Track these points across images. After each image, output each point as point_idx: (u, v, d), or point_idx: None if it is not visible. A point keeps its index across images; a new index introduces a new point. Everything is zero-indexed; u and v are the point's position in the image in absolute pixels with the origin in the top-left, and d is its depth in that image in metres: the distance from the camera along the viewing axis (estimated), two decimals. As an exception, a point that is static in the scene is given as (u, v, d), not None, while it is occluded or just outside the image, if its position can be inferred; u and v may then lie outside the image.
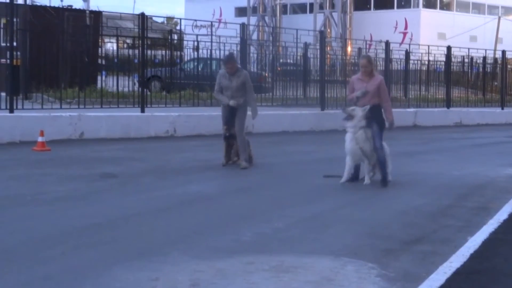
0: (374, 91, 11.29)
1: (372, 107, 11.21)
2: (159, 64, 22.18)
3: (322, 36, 25.86)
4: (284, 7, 60.79)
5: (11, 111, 16.21)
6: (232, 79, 12.71)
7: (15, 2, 17.46)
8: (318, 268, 6.68)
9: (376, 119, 11.28)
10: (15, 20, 17.18)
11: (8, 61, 16.97)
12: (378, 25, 52.70)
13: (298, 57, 25.79)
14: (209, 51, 21.57)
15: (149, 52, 20.20)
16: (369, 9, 59.06)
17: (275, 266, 6.70)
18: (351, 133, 11.18)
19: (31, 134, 15.04)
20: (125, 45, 21.60)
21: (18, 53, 17.26)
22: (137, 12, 19.46)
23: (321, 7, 57.00)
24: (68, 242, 7.49)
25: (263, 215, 9.24)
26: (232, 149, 13.10)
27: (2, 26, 18.67)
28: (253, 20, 56.44)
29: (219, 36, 21.64)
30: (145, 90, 19.45)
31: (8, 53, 16.98)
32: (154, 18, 21.54)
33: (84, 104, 18.13)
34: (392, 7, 57.98)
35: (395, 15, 56.32)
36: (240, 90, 12.74)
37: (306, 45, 25.59)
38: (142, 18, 18.93)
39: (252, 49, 25.85)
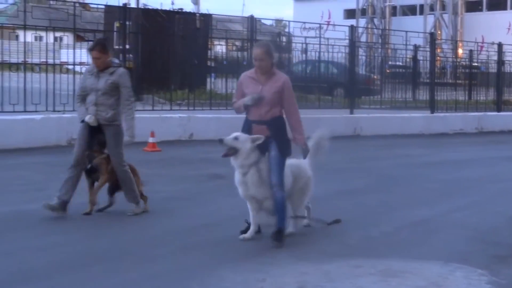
0: (274, 98, 7.51)
1: (273, 121, 7.56)
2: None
3: (432, 38, 25.38)
4: (393, 9, 60.08)
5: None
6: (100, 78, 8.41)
7: (128, 6, 17.85)
8: (427, 273, 6.56)
9: (276, 138, 7.52)
10: (127, 23, 17.61)
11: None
12: (490, 27, 51.32)
13: (408, 59, 25.44)
14: (317, 53, 21.51)
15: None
16: (481, 10, 57.63)
17: (382, 270, 6.62)
18: (239, 174, 7.54)
19: (142, 135, 15.26)
20: (234, 48, 21.74)
21: (130, 55, 17.61)
22: (246, 14, 19.56)
23: (432, 8, 56.17)
24: (176, 242, 7.64)
25: (370, 218, 9.15)
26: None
27: (115, 29, 19.11)
28: (362, 22, 55.99)
29: (328, 39, 21.55)
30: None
31: (120, 56, 17.41)
32: (263, 21, 21.60)
33: (194, 106, 18.39)
34: (505, 8, 56.39)
35: (509, 16, 54.70)
36: (108, 95, 8.40)
37: (416, 47, 25.18)
38: (251, 20, 19.06)
39: (360, 51, 25.62)
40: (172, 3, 42.06)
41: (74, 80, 15.48)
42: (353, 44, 21.75)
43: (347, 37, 21.64)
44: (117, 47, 18.01)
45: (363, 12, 58.87)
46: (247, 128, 7.66)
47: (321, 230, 8.36)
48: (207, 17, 21.19)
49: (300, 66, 22.85)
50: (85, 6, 22.05)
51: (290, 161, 7.76)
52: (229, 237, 7.94)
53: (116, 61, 8.80)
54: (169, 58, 18.34)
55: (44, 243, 7.38)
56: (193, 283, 6.13)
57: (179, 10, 21.59)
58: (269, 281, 6.24)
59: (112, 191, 8.89)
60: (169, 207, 9.53)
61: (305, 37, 21.72)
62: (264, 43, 8.52)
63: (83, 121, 8.46)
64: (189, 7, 21.83)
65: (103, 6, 19.90)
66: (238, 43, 21.22)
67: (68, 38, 19.82)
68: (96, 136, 8.53)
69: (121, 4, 18.07)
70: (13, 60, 18.28)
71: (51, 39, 18.39)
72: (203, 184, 11.39)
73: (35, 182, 10.77)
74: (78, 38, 19.93)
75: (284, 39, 22.78)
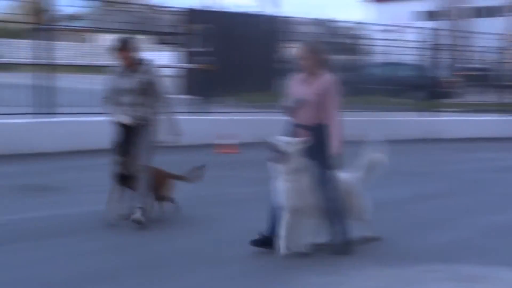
0: (318, 100, 6.74)
1: (318, 129, 6.81)
2: (343, 68, 22.14)
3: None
4: (473, 11, 59.04)
5: (202, 114, 16.84)
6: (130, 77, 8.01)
7: (207, 9, 18.07)
8: (508, 280, 6.42)
9: (319, 148, 6.77)
10: (207, 26, 17.83)
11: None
12: None
13: (489, 62, 24.97)
14: (396, 56, 21.34)
15: (334, 57, 20.22)
16: None
17: (463, 275, 6.50)
18: (284, 180, 6.74)
19: (221, 136, 15.45)
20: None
21: (210, 58, 17.80)
22: (323, 17, 19.56)
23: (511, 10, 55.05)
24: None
25: (450, 223, 9.02)
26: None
27: (196, 32, 19.32)
28: (440, 24, 55.18)
29: (407, 41, 21.34)
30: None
31: (202, 58, 17.66)
32: (340, 23, 21.42)
33: (274, 107, 18.40)
34: None
35: None
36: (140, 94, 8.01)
37: (498, 49, 24.71)
38: (329, 23, 19.08)
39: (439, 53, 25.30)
40: (251, 7, 42.22)
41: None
42: (433, 46, 21.51)
43: (427, 39, 21.41)
44: (196, 49, 18.27)
45: (442, 14, 58.00)
46: (290, 132, 6.99)
47: (399, 233, 8.26)
48: (285, 20, 21.23)
49: (378, 69, 22.68)
50: (165, 9, 22.27)
51: (339, 175, 7.08)
52: None
53: (146, 58, 8.20)
54: (248, 60, 18.47)
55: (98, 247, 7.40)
56: (277, 284, 6.20)
57: (259, 13, 21.71)
58: (347, 284, 6.21)
59: (157, 198, 8.53)
60: (240, 209, 9.56)
61: (384, 39, 21.58)
62: (310, 41, 7.57)
63: (116, 123, 8.07)
64: (268, 10, 21.90)
65: (183, 10, 20.13)
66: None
67: (148, 41, 20.18)
68: (131, 141, 8.02)
69: (203, 7, 18.33)
70: (96, 63, 18.62)
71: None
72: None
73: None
74: (159, 41, 20.18)
75: (361, 41, 22.59)
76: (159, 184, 8.45)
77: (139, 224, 7.94)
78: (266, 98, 18.76)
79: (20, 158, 12.90)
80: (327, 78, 6.86)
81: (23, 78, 15.94)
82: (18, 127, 13.81)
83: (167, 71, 18.15)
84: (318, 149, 6.73)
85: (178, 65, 19.36)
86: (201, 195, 10.09)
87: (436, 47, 22.32)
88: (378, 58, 22.25)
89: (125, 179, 8.09)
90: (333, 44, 19.65)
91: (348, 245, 7.05)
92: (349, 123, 18.42)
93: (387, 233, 8.17)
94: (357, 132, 18.17)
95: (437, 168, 14.25)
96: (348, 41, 23.97)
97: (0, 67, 17.38)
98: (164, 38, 20.26)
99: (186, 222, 8.64)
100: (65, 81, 14.70)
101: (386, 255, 7.28)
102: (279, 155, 6.66)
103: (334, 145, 6.75)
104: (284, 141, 6.73)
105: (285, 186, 6.76)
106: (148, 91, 7.95)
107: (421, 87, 23.48)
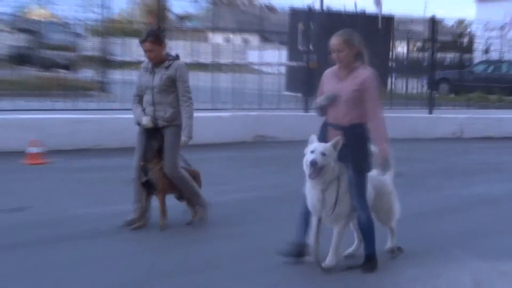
0: (353, 97, 5.98)
1: (351, 129, 6.02)
2: (448, 66, 21.96)
3: None
4: None
5: (306, 111, 17.04)
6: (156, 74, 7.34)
7: (312, 8, 18.17)
8: None
9: (353, 150, 6.00)
10: (311, 25, 18.00)
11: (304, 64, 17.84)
12: None
13: None
14: (499, 53, 21.01)
15: (438, 55, 20.10)
16: None
17: None
18: (318, 190, 6.02)
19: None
20: (415, 48, 21.67)
21: (314, 56, 17.97)
22: (428, 15, 19.42)
23: None
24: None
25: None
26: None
27: (299, 31, 19.55)
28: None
29: (510, 39, 21.05)
30: (433, 92, 19.35)
31: (304, 56, 17.85)
32: (445, 22, 21.32)
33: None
34: None
35: None
36: (165, 93, 7.35)
37: None
38: (433, 21, 18.90)
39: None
40: (355, 5, 42.02)
41: (259, 79, 16.03)
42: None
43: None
44: (301, 48, 18.47)
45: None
46: (322, 132, 6.24)
47: (495, 229, 8.16)
48: (388, 19, 21.20)
49: (482, 67, 22.39)
50: (271, 9, 22.66)
51: (371, 174, 6.29)
52: (407, 233, 7.71)
53: (173, 54, 7.41)
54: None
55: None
56: (385, 279, 6.13)
57: (362, 12, 21.71)
58: (444, 277, 6.19)
59: (183, 199, 7.81)
60: None
61: (487, 37, 21.30)
62: (345, 31, 6.25)
63: (139, 124, 7.43)
64: (371, 8, 21.80)
65: (288, 9, 20.41)
66: (419, 43, 21.12)
67: (255, 39, 20.53)
68: (154, 143, 7.35)
69: (305, 7, 18.47)
70: (203, 61, 19.05)
71: (239, 41, 19.05)
72: None
73: (220, 176, 10.91)
74: (264, 39, 20.48)
75: (465, 39, 22.39)
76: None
77: (203, 221, 7.54)
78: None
79: (133, 151, 13.14)
80: (364, 73, 6.06)
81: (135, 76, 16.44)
82: (133, 122, 14.10)
83: (273, 69, 18.49)
84: (352, 151, 5.97)
85: (283, 62, 19.59)
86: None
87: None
88: (482, 56, 21.91)
89: (145, 185, 7.40)
90: (438, 43, 19.56)
91: (374, 261, 6.25)
92: (448, 121, 18.46)
93: (483, 228, 8.17)
94: (455, 130, 18.28)
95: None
96: (454, 38, 23.80)
97: (116, 65, 17.87)
98: (272, 36, 20.52)
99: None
100: None
101: (483, 249, 7.20)
102: (322, 169, 5.88)
103: (381, 148, 6.01)
104: (323, 153, 5.87)
105: (318, 195, 6.00)
106: (172, 89, 7.27)
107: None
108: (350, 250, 6.59)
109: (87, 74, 19.39)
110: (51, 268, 6.10)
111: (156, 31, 7.48)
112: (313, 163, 5.80)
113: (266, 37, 20.66)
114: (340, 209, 6.02)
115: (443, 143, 17.10)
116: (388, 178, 6.63)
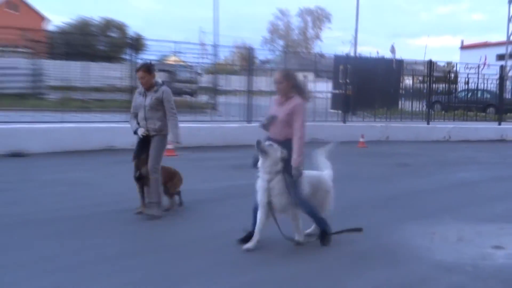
0: (286, 119, 5.26)
1: (285, 143, 5.25)
2: (440, 93, 21.53)
3: None
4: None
5: (344, 122, 17.00)
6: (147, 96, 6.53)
7: (348, 55, 18.14)
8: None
9: (290, 160, 5.23)
10: (348, 66, 17.95)
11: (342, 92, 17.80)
12: None
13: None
14: (475, 84, 20.67)
15: (433, 85, 19.73)
16: None
17: None
18: (264, 180, 5.23)
19: (356, 137, 15.60)
20: (417, 81, 21.26)
21: (349, 87, 17.90)
22: (427, 59, 19.19)
23: None
24: (366, 206, 7.41)
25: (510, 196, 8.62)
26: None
27: (340, 70, 19.46)
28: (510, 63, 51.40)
29: (484, 74, 20.64)
30: (430, 110, 19.03)
31: (343, 87, 17.83)
32: (438, 63, 20.91)
33: (390, 118, 18.35)
34: None
35: None
36: (154, 110, 6.50)
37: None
38: (430, 63, 18.68)
39: (508, 83, 24.05)
40: (377, 53, 41.62)
41: (314, 102, 15.97)
42: (502, 78, 20.52)
43: (498, 74, 20.47)
44: (341, 81, 18.42)
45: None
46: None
47: (473, 202, 7.97)
48: (399, 61, 20.94)
49: (463, 93, 21.91)
50: (322, 56, 22.58)
51: (311, 173, 5.53)
52: (410, 203, 7.76)
53: (159, 81, 6.56)
54: (374, 88, 18.42)
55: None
56: (384, 234, 5.99)
57: (382, 57, 21.54)
58: (437, 234, 6.08)
59: (166, 192, 6.85)
60: (371, 183, 9.40)
61: (467, 74, 20.90)
62: (284, 69, 5.76)
63: (135, 133, 6.56)
64: (388, 54, 21.80)
65: (333, 55, 20.37)
66: (420, 78, 20.74)
67: (311, 75, 20.57)
68: (147, 146, 6.52)
69: (344, 54, 18.52)
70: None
71: (301, 77, 19.10)
72: (394, 169, 11.13)
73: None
74: (317, 75, 20.46)
75: (452, 75, 21.90)
76: (168, 180, 6.85)
77: (154, 218, 6.36)
78: (386, 112, 18.65)
79: (232, 148, 13.19)
80: (296, 101, 5.27)
81: (235, 99, 16.63)
82: (232, 129, 14.18)
83: (323, 95, 18.47)
84: (287, 159, 5.20)
85: (330, 91, 19.55)
86: (350, 174, 9.85)
87: (504, 79, 21.25)
88: (463, 86, 21.44)
89: (138, 179, 6.58)
90: (433, 77, 19.24)
91: (328, 235, 5.50)
92: (440, 129, 18.10)
93: (465, 201, 7.99)
94: (445, 135, 17.88)
95: (505, 160, 13.58)
96: (443, 74, 23.32)
97: (222, 92, 18.10)
98: (322, 74, 20.48)
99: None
100: (260, 101, 14.99)
101: (465, 216, 7.04)
102: (263, 152, 5.18)
103: (294, 158, 5.15)
104: (270, 144, 5.25)
105: (264, 184, 5.23)
106: (159, 107, 6.43)
107: (493, 105, 22.58)
108: (309, 230, 5.72)
109: (203, 98, 19.75)
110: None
111: (148, 64, 6.55)
112: (258, 142, 5.16)
113: (318, 74, 20.56)
114: (282, 198, 5.22)
115: (437, 144, 16.83)
116: (327, 177, 5.70)
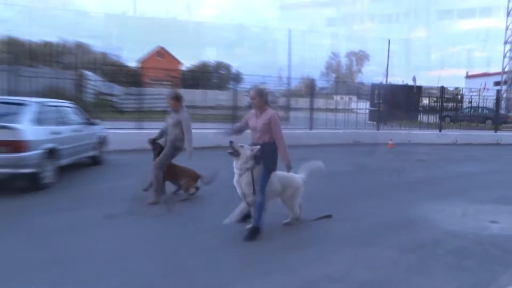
0: (264, 128, 4.59)
1: (263, 145, 4.60)
2: (449, 109, 20.20)
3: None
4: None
5: (378, 129, 16.38)
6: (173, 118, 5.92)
7: (381, 83, 17.47)
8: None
9: (265, 157, 4.60)
10: (381, 91, 17.25)
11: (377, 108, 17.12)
12: None
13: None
14: (477, 103, 19.25)
15: (444, 104, 18.56)
16: None
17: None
18: (236, 175, 4.63)
19: (386, 140, 15.00)
20: (432, 101, 20.03)
21: (382, 105, 17.25)
22: (440, 85, 18.09)
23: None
24: (393, 189, 7.11)
25: (508, 185, 7.94)
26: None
27: (376, 93, 18.70)
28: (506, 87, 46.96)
29: (484, 96, 19.21)
30: (441, 121, 17.85)
31: (377, 105, 17.20)
32: (448, 88, 19.60)
33: (411, 127, 17.41)
34: None
35: None
36: (174, 127, 5.84)
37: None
38: (442, 88, 17.58)
39: (502, 102, 22.14)
40: (402, 81, 39.69)
41: (356, 116, 15.51)
42: (498, 99, 18.95)
43: (495, 95, 18.91)
44: (376, 101, 17.81)
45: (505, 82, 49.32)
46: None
47: (475, 188, 7.39)
48: (419, 87, 19.90)
49: (468, 109, 20.45)
50: (362, 84, 21.86)
51: (283, 174, 4.78)
52: (423, 188, 7.31)
53: (185, 107, 5.93)
54: (400, 106, 17.69)
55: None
56: (403, 213, 5.53)
57: (405, 84, 20.51)
58: (447, 210, 5.72)
59: (168, 181, 5.99)
60: (397, 173, 8.99)
61: (471, 95, 19.51)
62: (258, 87, 4.81)
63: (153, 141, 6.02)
64: (410, 82, 20.79)
65: (370, 83, 19.69)
66: (434, 99, 19.52)
67: (354, 97, 19.98)
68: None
69: (378, 82, 17.87)
70: (331, 107, 18.44)
71: (347, 99, 18.68)
72: (413, 164, 10.53)
73: (338, 158, 10.54)
74: (359, 97, 19.85)
75: (459, 97, 20.47)
76: (178, 177, 6.01)
77: (153, 204, 5.57)
78: (409, 122, 17.79)
79: (299, 147, 12.74)
80: (270, 113, 4.63)
81: (301, 114, 16.03)
82: (298, 134, 14.06)
83: (363, 111, 17.96)
84: (264, 158, 4.58)
85: (368, 108, 18.97)
86: (380, 167, 9.75)
87: (500, 99, 19.56)
88: (467, 104, 19.97)
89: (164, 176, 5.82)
90: (444, 98, 18.10)
91: (257, 232, 4.53)
92: (449, 135, 16.93)
93: (468, 187, 7.45)
94: (453, 140, 16.70)
95: (498, 158, 12.47)
96: (452, 96, 21.83)
97: (292, 109, 17.83)
98: (362, 96, 19.85)
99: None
100: (319, 115, 14.87)
101: (468, 198, 6.56)
102: (235, 153, 4.60)
103: (283, 156, 4.60)
104: (242, 145, 4.66)
105: (237, 178, 4.62)
106: (178, 126, 5.79)
107: (490, 118, 20.81)
108: (287, 220, 4.97)
109: (280, 114, 19.63)
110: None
111: (176, 93, 5.93)
112: (230, 142, 4.61)
113: (360, 96, 20.00)
114: (248, 189, 4.55)
115: (447, 146, 15.77)
116: (298, 178, 4.94)
